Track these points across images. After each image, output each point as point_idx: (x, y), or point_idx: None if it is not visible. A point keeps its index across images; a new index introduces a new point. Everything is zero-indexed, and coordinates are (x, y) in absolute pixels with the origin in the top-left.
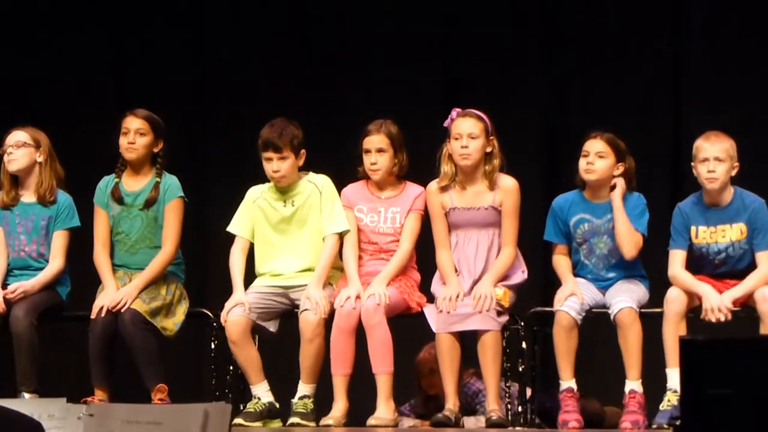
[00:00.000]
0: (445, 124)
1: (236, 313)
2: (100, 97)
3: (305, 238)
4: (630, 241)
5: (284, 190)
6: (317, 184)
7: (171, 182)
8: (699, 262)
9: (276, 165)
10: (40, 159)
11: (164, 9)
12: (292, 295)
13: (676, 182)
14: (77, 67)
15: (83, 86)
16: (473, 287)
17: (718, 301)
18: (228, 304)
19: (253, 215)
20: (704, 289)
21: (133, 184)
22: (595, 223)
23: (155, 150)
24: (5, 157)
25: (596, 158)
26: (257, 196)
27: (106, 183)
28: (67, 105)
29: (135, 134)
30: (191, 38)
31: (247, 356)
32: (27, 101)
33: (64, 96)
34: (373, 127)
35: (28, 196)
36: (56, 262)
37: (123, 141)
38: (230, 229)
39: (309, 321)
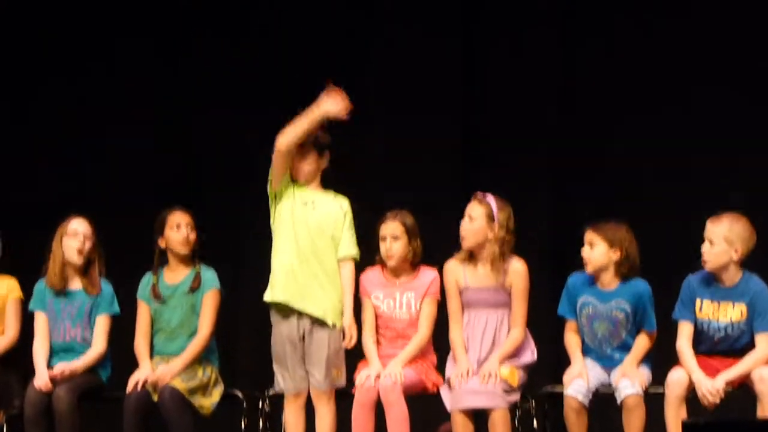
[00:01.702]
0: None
1: (288, 387)
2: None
3: (322, 245)
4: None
5: (307, 194)
6: (342, 206)
7: (209, 275)
8: (698, 338)
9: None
10: (93, 255)
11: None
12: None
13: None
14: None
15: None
16: (480, 366)
17: (709, 387)
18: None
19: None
20: (697, 376)
21: (175, 277)
22: (598, 308)
23: (195, 245)
24: (72, 244)
25: (589, 249)
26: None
27: (148, 279)
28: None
29: (188, 228)
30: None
31: (296, 426)
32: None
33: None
34: (389, 215)
35: (74, 283)
36: (98, 345)
37: (177, 236)
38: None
39: (320, 396)
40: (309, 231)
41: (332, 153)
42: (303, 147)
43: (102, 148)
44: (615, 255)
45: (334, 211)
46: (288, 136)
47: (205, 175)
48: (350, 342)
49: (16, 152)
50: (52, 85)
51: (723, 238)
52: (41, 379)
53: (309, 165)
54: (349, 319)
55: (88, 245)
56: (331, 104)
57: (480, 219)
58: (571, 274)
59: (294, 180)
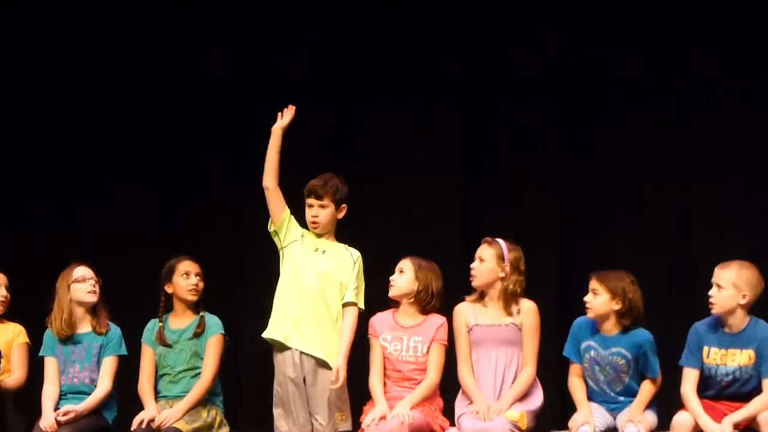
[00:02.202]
0: None
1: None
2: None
3: (330, 294)
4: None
5: (319, 240)
6: (353, 255)
7: (214, 321)
8: (706, 382)
9: (315, 211)
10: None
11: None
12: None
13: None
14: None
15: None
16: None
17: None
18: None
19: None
20: (705, 421)
21: (180, 322)
22: (600, 353)
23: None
24: (83, 287)
25: (591, 296)
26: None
27: (153, 324)
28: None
29: (197, 278)
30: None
31: None
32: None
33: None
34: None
35: (83, 327)
36: (104, 385)
37: (186, 284)
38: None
39: None
40: (318, 276)
41: (348, 204)
42: (321, 199)
43: (102, 199)
44: (617, 305)
45: (344, 260)
46: (266, 172)
47: (206, 220)
48: (337, 383)
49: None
50: (53, 133)
51: (731, 284)
52: (47, 421)
53: (326, 217)
54: (341, 361)
55: (97, 287)
56: (279, 120)
57: (490, 259)
58: (577, 319)
59: (308, 228)
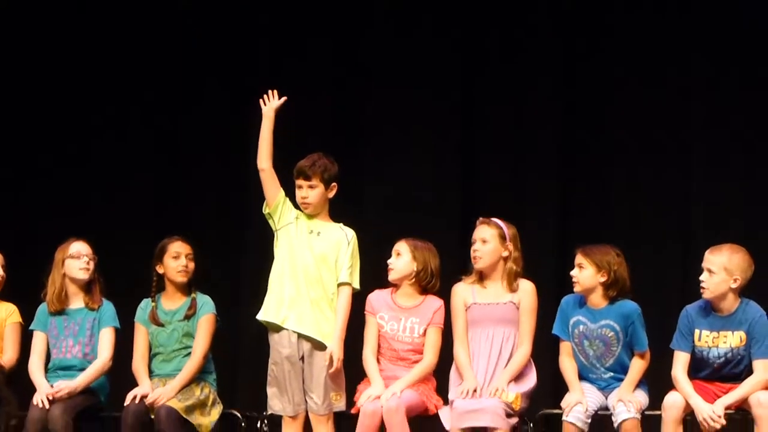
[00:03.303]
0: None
1: (287, 411)
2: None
3: (325, 275)
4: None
5: (313, 221)
6: (347, 235)
7: (206, 300)
8: (699, 365)
9: (305, 192)
10: (94, 275)
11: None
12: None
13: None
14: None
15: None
16: (485, 382)
17: (709, 412)
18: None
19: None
20: (695, 401)
21: (172, 303)
22: (589, 327)
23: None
24: (77, 264)
25: (578, 270)
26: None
27: (146, 304)
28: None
29: (187, 259)
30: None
31: None
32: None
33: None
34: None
35: (76, 303)
36: (104, 355)
37: (175, 265)
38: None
39: (319, 418)
40: (313, 258)
41: (339, 183)
42: (310, 179)
43: (101, 176)
44: (602, 277)
45: (338, 240)
46: (260, 154)
47: (203, 200)
48: (331, 368)
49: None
50: (52, 110)
51: (723, 268)
52: (42, 393)
53: (316, 197)
54: (335, 344)
55: (92, 264)
56: (270, 101)
57: (493, 240)
58: (565, 297)
59: (301, 209)
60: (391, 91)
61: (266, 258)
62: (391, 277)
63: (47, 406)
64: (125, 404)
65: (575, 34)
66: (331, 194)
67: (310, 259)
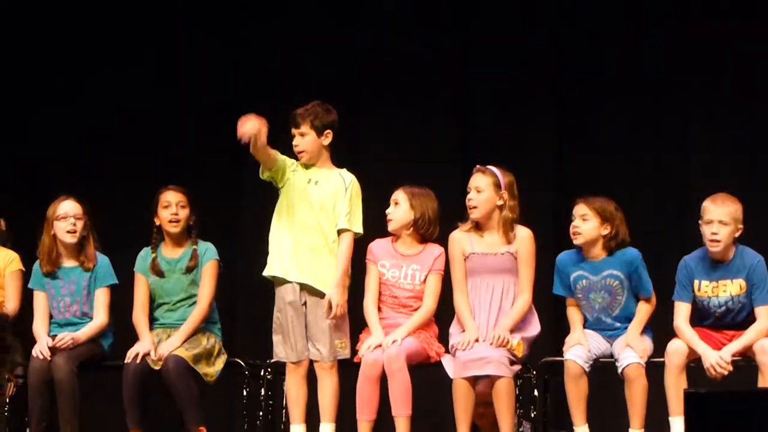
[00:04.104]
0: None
1: (290, 358)
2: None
3: (324, 222)
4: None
5: (311, 171)
6: (345, 180)
7: (207, 247)
8: (701, 314)
9: (297, 140)
10: (86, 232)
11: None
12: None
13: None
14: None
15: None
16: (487, 332)
17: (716, 358)
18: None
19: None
20: (702, 349)
21: (172, 253)
22: (591, 280)
23: (191, 222)
24: (63, 225)
25: (581, 221)
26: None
27: (146, 253)
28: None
29: (177, 207)
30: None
31: (298, 393)
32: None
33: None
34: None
35: (69, 262)
36: (100, 317)
37: (165, 214)
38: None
39: (323, 366)
40: (312, 208)
41: (335, 130)
42: (299, 127)
43: (102, 126)
44: (605, 230)
45: (336, 187)
46: (262, 168)
47: (204, 152)
48: (330, 314)
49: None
50: (48, 73)
51: (733, 219)
52: (42, 347)
53: (308, 144)
54: (334, 290)
55: (79, 225)
56: (245, 126)
57: (487, 188)
58: (559, 255)
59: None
60: (387, 41)
61: (269, 201)
62: (391, 227)
63: (48, 357)
64: (126, 361)
65: None
66: (326, 141)
67: (308, 209)
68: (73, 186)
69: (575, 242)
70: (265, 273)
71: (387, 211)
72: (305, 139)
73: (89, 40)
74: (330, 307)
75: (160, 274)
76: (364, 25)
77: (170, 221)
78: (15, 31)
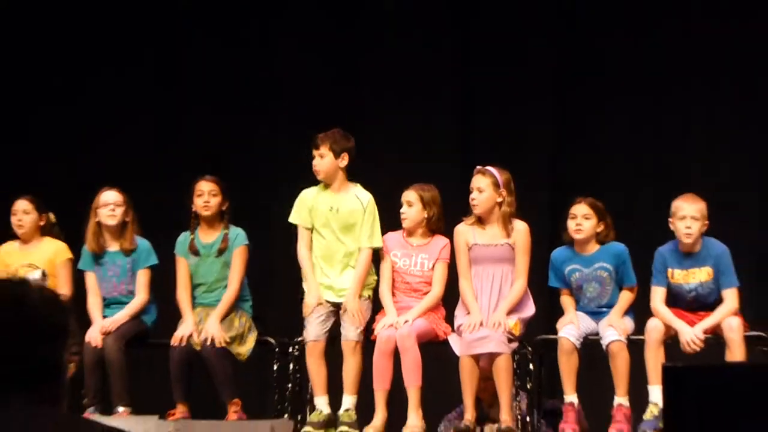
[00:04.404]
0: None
1: (315, 332)
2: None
3: (348, 243)
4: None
5: (330, 195)
6: (363, 201)
7: (238, 233)
8: (675, 298)
9: (316, 160)
10: (128, 218)
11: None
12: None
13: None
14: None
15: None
16: (488, 314)
17: (691, 335)
18: (308, 319)
19: (309, 210)
20: (679, 325)
21: (207, 237)
22: (584, 272)
23: (223, 208)
24: (104, 212)
25: (583, 220)
26: (311, 195)
27: (184, 237)
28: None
29: (209, 195)
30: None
31: (318, 370)
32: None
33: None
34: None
35: (113, 245)
36: (140, 296)
37: (199, 201)
38: (292, 219)
39: (349, 342)
40: (335, 232)
41: (351, 155)
42: (319, 148)
43: (142, 122)
44: (600, 227)
45: (356, 209)
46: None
47: (243, 143)
48: (357, 323)
49: (64, 134)
50: (88, 70)
51: (702, 215)
52: (94, 333)
53: (325, 165)
54: (353, 301)
55: (118, 211)
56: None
57: (488, 188)
58: (553, 251)
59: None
60: (387, 41)
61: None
62: (406, 225)
63: (100, 345)
64: (172, 344)
65: None
66: (342, 164)
67: (332, 234)
68: (114, 178)
69: (577, 237)
70: (307, 300)
71: (401, 210)
72: (323, 160)
73: (89, 40)
74: (353, 318)
75: (196, 253)
76: (364, 25)
77: (202, 207)
78: (15, 31)
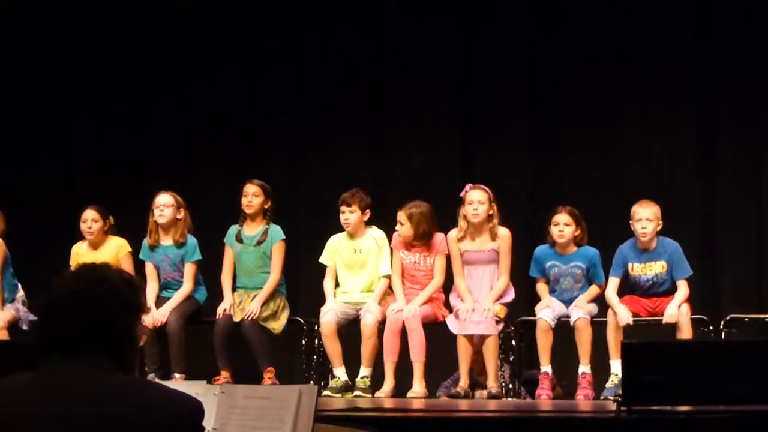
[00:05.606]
0: (462, 194)
1: (328, 317)
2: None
3: (365, 273)
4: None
5: (354, 241)
6: (377, 240)
7: (276, 229)
8: (634, 287)
9: (346, 216)
10: (179, 216)
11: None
12: (357, 309)
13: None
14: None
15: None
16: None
17: (627, 319)
18: (323, 309)
19: (335, 253)
20: (619, 309)
21: (251, 230)
22: (561, 269)
23: (265, 207)
24: (158, 212)
25: (564, 227)
26: (337, 240)
27: (233, 229)
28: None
29: (252, 196)
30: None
31: (334, 347)
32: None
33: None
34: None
35: (166, 240)
36: (186, 285)
37: (244, 201)
38: (322, 260)
39: (368, 324)
40: (359, 270)
41: (371, 209)
42: (350, 206)
43: (195, 136)
44: (577, 231)
45: (371, 249)
46: None
47: (279, 152)
48: (376, 318)
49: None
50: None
51: (656, 217)
52: (158, 313)
53: (355, 219)
54: (375, 306)
55: (167, 212)
56: None
57: (486, 202)
58: (537, 248)
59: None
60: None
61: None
62: (403, 240)
63: (164, 322)
64: (216, 317)
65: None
66: (366, 217)
67: (356, 271)
68: (175, 181)
69: (559, 241)
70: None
71: (396, 229)
72: (353, 215)
73: (154, 61)
74: (374, 313)
75: (241, 242)
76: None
77: (245, 206)
78: (76, 45)
